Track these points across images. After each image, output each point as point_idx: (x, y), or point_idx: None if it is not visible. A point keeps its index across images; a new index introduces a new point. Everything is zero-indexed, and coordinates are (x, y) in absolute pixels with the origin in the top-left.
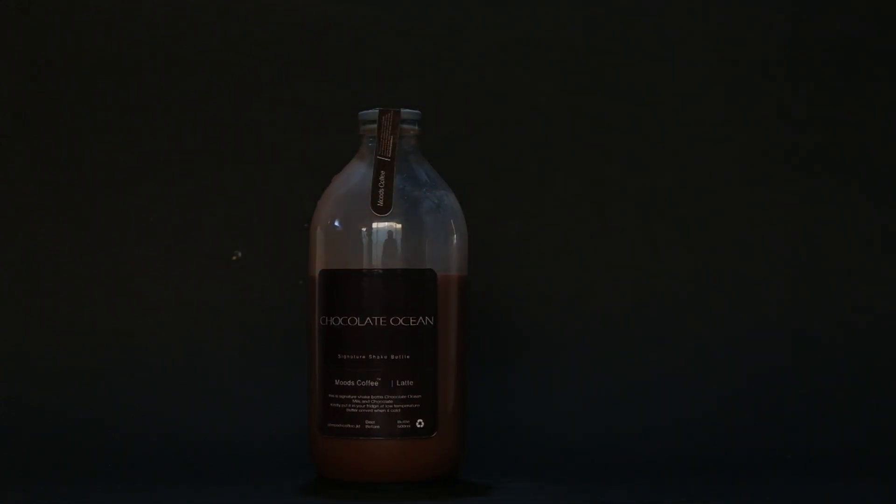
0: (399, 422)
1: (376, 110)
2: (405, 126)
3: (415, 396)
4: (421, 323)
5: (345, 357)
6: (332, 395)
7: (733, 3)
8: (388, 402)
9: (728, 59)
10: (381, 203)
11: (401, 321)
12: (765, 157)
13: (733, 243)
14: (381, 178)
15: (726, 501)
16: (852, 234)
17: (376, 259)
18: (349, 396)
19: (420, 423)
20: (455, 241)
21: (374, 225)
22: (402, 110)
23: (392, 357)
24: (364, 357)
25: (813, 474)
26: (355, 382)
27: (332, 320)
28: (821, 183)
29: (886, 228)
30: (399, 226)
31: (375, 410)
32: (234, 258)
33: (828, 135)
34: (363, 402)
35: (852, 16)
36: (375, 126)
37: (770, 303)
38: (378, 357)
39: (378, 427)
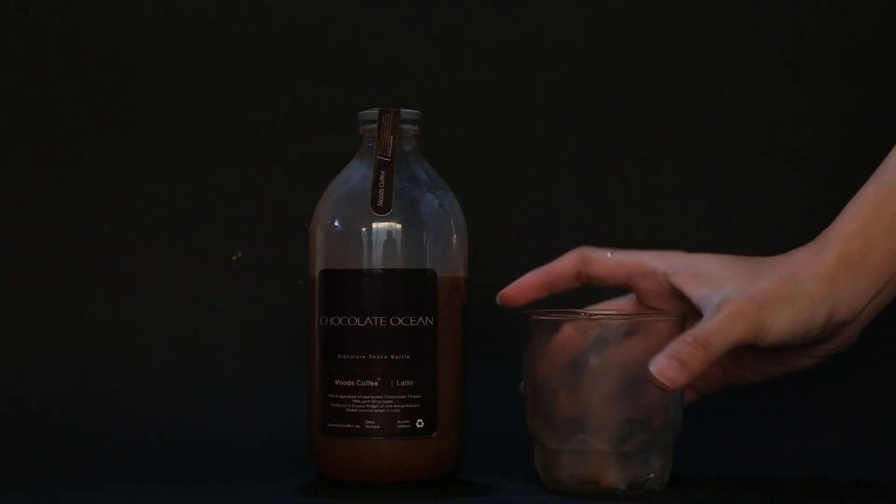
0: (399, 422)
1: (376, 110)
2: (405, 126)
3: (415, 396)
4: (421, 323)
5: (345, 357)
6: (332, 395)
7: (733, 4)
8: (388, 402)
9: (729, 58)
10: (381, 203)
11: (401, 321)
12: (766, 158)
13: (734, 244)
14: (381, 178)
15: (727, 500)
16: None
17: (376, 259)
18: (349, 396)
19: (420, 423)
20: (455, 241)
21: (374, 225)
22: (402, 110)
23: (392, 357)
24: (364, 357)
25: (813, 474)
26: (355, 382)
27: (332, 320)
28: (823, 183)
29: None
30: (399, 226)
31: (375, 410)
32: (234, 258)
33: (830, 134)
34: (363, 402)
35: (853, 15)
36: (375, 126)
37: None
38: (378, 357)
39: (378, 427)
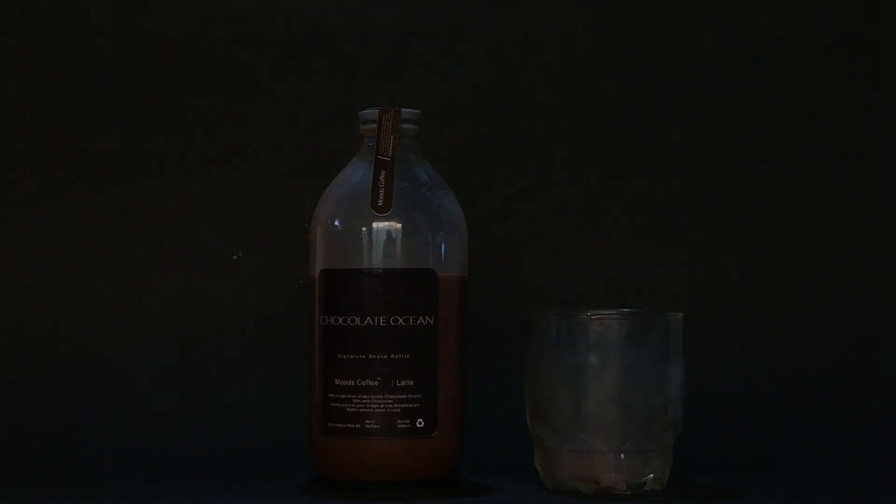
0: (399, 422)
1: (376, 110)
2: (405, 126)
3: (415, 396)
4: (421, 323)
5: (345, 357)
6: (332, 395)
7: (730, 5)
8: (388, 401)
9: (728, 59)
10: (381, 203)
11: (401, 321)
12: (765, 158)
13: (734, 243)
14: (381, 178)
15: (727, 501)
16: (849, 236)
17: (376, 259)
18: (349, 396)
19: (420, 423)
20: (455, 241)
21: (374, 225)
22: (402, 110)
23: (392, 357)
24: (364, 357)
25: (813, 474)
26: (355, 382)
27: (332, 320)
28: (816, 186)
29: (884, 228)
30: (399, 226)
31: (375, 410)
32: (235, 258)
33: (819, 134)
34: (363, 401)
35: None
36: (375, 126)
37: (768, 304)
38: (378, 357)
39: (378, 427)
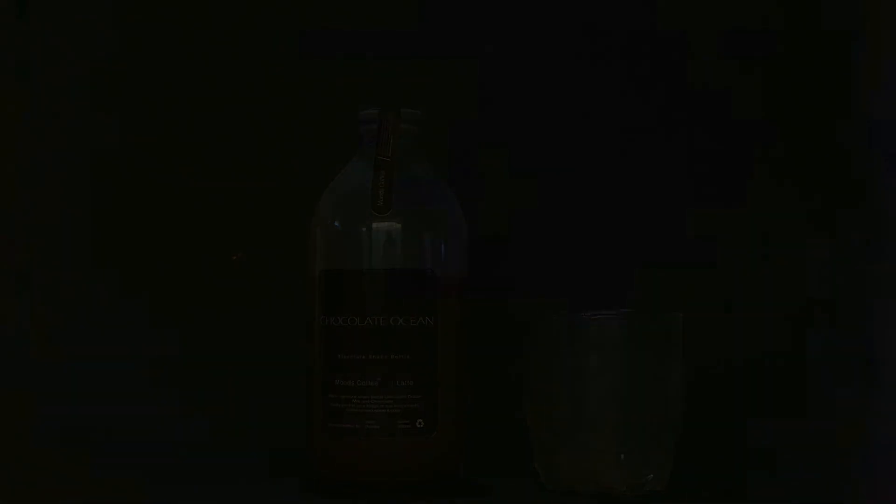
0: (399, 422)
1: (376, 110)
2: (405, 126)
3: (415, 396)
4: (421, 323)
5: (345, 357)
6: (332, 395)
7: (730, 6)
8: (388, 402)
9: (726, 58)
10: (381, 203)
11: (401, 321)
12: (766, 158)
13: (733, 243)
14: (381, 178)
15: (727, 501)
16: (850, 236)
17: (376, 259)
18: (349, 396)
19: (420, 423)
20: (455, 241)
21: (374, 225)
22: (402, 110)
23: (392, 357)
24: (364, 357)
25: (813, 474)
26: (355, 382)
27: (332, 320)
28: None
29: (884, 229)
30: (399, 226)
31: (375, 410)
32: (235, 258)
33: (819, 134)
34: (363, 402)
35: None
36: (375, 126)
37: (768, 304)
38: (378, 357)
39: (378, 427)
